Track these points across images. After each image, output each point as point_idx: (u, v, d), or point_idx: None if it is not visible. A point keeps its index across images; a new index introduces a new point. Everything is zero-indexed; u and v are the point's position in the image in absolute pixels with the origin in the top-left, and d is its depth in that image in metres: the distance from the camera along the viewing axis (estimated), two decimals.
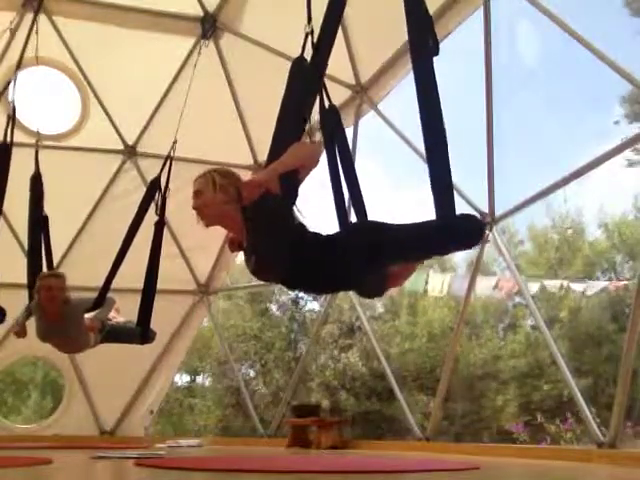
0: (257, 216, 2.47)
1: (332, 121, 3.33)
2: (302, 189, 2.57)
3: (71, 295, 4.80)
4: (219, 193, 2.56)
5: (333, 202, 3.22)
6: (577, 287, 12.54)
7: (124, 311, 5.63)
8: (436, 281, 12.77)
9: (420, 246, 2.60)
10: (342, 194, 3.23)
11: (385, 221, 2.68)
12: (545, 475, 3.56)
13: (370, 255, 2.53)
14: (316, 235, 2.66)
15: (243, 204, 2.48)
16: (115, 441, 7.78)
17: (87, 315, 4.92)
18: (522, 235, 16.79)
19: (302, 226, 2.61)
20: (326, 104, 3.36)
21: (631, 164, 13.21)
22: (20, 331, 4.81)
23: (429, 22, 2.64)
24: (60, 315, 4.68)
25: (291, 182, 2.49)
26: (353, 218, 3.28)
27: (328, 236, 2.64)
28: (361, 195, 3.19)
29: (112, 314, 5.40)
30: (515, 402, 14.09)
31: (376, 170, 19.74)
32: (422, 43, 2.59)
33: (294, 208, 2.57)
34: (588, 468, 4.12)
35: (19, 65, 5.10)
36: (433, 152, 2.53)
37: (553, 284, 12.91)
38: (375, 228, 2.70)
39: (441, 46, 2.68)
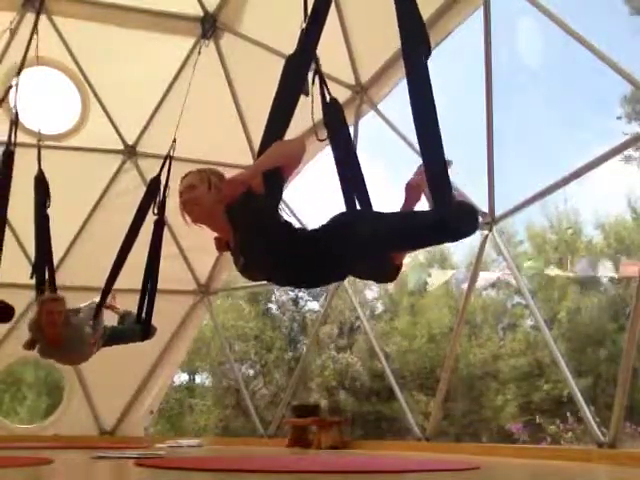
0: (241, 216, 2.46)
1: (335, 115, 3.34)
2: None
3: (71, 316, 4.84)
4: (213, 191, 2.55)
5: (342, 195, 3.21)
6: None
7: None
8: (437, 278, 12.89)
9: (412, 236, 2.58)
10: (350, 187, 3.21)
11: (376, 210, 2.67)
12: (545, 475, 3.56)
13: (360, 244, 2.52)
14: (303, 231, 2.66)
15: (225, 202, 2.47)
16: (115, 441, 7.78)
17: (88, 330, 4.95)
18: (521, 235, 16.80)
19: (287, 224, 2.60)
20: (327, 99, 3.36)
21: (628, 160, 13.20)
22: (29, 346, 4.85)
23: (421, 24, 2.63)
24: (62, 337, 4.74)
25: (275, 181, 2.49)
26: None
27: (315, 230, 2.63)
28: (366, 188, 3.18)
29: (109, 302, 5.44)
30: (515, 402, 14.09)
31: (376, 170, 19.72)
32: (414, 46, 2.57)
33: (279, 207, 2.57)
34: (588, 468, 4.12)
35: (20, 70, 5.08)
36: (426, 145, 2.49)
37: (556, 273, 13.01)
38: (365, 217, 2.69)
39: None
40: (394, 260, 2.84)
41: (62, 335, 4.72)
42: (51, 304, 4.75)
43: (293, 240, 2.54)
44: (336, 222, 2.65)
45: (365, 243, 2.53)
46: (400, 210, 2.80)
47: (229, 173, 2.69)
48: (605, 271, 12.45)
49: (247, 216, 2.46)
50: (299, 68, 2.80)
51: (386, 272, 2.89)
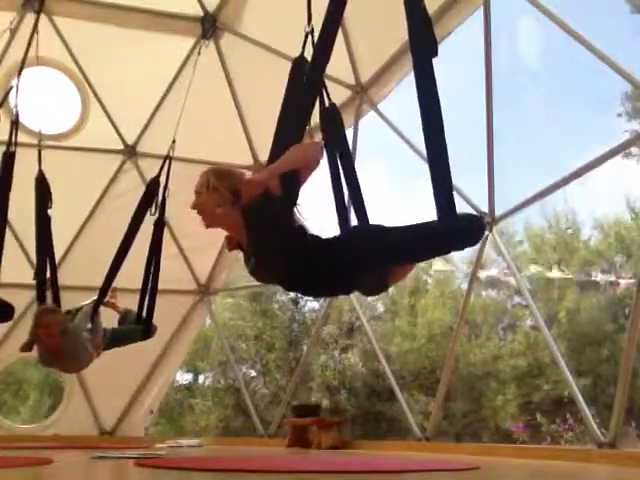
0: (257, 217, 2.46)
1: (332, 120, 3.33)
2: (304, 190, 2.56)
3: (68, 322, 4.82)
4: (213, 195, 2.56)
5: (334, 202, 3.22)
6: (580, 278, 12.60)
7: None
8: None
9: (420, 248, 2.60)
10: (343, 194, 3.22)
11: (385, 224, 2.69)
12: (545, 475, 3.56)
13: (370, 258, 2.54)
14: (316, 238, 2.66)
15: (242, 203, 2.48)
16: (115, 441, 7.78)
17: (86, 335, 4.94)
18: (520, 235, 16.78)
19: (302, 228, 2.61)
20: (326, 103, 3.36)
21: (627, 156, 13.19)
22: (26, 348, 4.85)
23: (428, 23, 2.64)
24: (60, 347, 4.74)
25: (292, 183, 2.49)
26: (353, 218, 3.28)
27: (328, 239, 2.65)
28: (361, 195, 3.19)
29: (110, 299, 5.43)
30: (515, 402, 14.08)
31: (376, 170, 19.73)
32: (422, 44, 2.58)
33: (295, 210, 2.56)
34: (588, 468, 4.12)
35: (21, 70, 5.08)
36: (433, 153, 2.53)
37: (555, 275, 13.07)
38: (375, 232, 2.70)
39: (441, 46, 2.69)
40: (392, 278, 2.85)
41: (61, 345, 4.72)
42: (47, 318, 4.72)
43: (306, 245, 2.55)
44: (351, 233, 2.67)
45: (377, 254, 2.54)
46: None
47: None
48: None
49: (263, 217, 2.46)
50: (312, 77, 2.78)
51: (380, 286, 2.90)
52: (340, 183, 3.22)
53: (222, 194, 2.55)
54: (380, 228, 2.67)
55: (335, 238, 2.66)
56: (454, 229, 2.47)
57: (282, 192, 2.45)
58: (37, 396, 16.29)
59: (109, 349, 5.23)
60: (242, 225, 2.51)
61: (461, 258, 16.09)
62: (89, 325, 4.97)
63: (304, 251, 2.52)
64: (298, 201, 2.57)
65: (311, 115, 2.73)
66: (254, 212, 2.45)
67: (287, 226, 2.52)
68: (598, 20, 14.28)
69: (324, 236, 2.69)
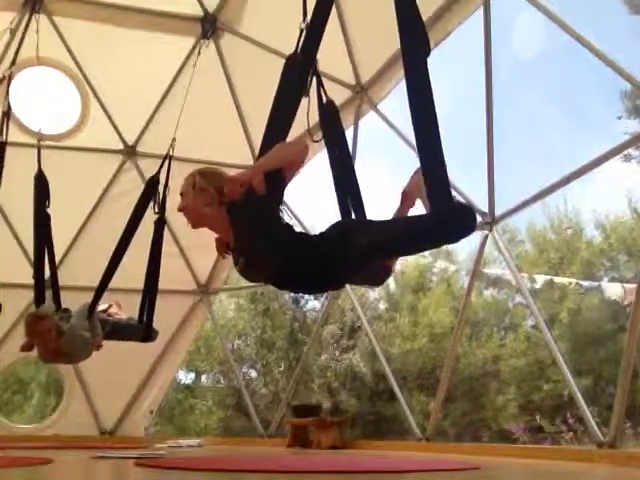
0: (241, 215, 2.46)
1: (330, 117, 3.34)
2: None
3: (62, 325, 4.80)
4: (199, 195, 2.56)
5: (336, 198, 3.20)
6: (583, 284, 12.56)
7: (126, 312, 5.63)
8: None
9: (410, 242, 2.58)
10: (344, 190, 3.21)
11: (373, 219, 2.68)
12: (545, 475, 3.56)
13: (359, 253, 2.53)
14: (303, 235, 2.66)
15: (225, 201, 2.47)
16: (115, 441, 7.78)
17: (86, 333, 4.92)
18: (522, 235, 16.77)
19: (288, 226, 2.60)
20: (324, 100, 3.36)
21: (627, 159, 13.17)
22: (26, 348, 4.84)
23: (420, 24, 2.62)
24: (59, 349, 4.73)
25: (276, 182, 2.48)
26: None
27: (315, 236, 2.64)
28: (359, 191, 3.18)
29: (114, 310, 5.42)
30: (515, 402, 14.08)
31: (376, 170, 19.73)
32: (414, 45, 2.56)
33: (280, 208, 2.57)
34: (588, 468, 4.12)
35: (14, 62, 5.09)
36: (425, 148, 2.47)
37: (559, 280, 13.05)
38: (364, 226, 2.70)
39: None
40: (386, 264, 2.84)
41: (58, 347, 4.71)
42: (37, 326, 4.70)
43: (293, 243, 2.54)
44: (337, 229, 2.66)
45: (367, 250, 2.53)
46: (397, 216, 2.81)
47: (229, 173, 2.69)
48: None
49: (247, 216, 2.46)
50: (300, 70, 2.79)
51: (378, 276, 2.89)
52: (340, 178, 3.21)
53: (209, 193, 2.55)
54: (369, 223, 2.67)
55: (322, 234, 2.65)
56: (447, 221, 2.42)
57: (266, 190, 2.44)
58: (42, 395, 16.29)
59: (108, 339, 5.20)
60: (229, 224, 2.51)
61: (463, 257, 16.10)
62: (86, 323, 4.94)
63: (291, 249, 2.52)
64: (283, 199, 2.57)
65: (296, 113, 2.72)
66: (239, 211, 2.45)
67: (273, 224, 2.52)
68: (598, 19, 14.27)
69: (311, 233, 2.69)
